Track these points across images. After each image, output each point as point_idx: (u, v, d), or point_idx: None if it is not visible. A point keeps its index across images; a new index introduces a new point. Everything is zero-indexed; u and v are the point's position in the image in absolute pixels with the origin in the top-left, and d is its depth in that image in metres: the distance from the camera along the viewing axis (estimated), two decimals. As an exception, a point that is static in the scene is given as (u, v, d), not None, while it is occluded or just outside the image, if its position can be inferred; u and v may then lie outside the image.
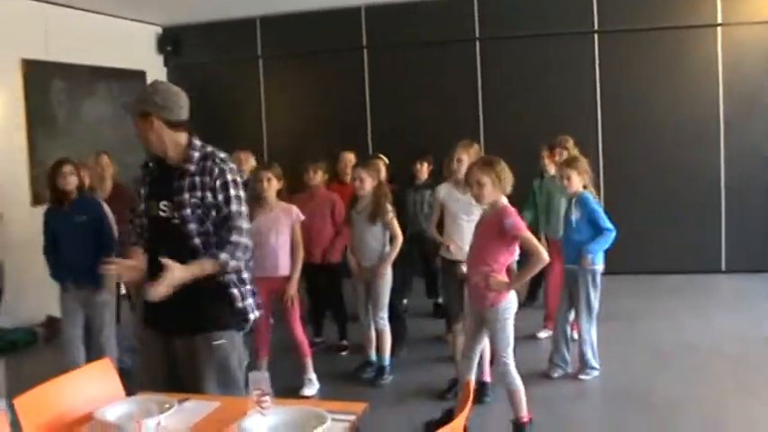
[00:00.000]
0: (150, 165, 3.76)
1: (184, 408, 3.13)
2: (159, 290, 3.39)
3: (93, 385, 3.34)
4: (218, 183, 3.57)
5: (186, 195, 3.57)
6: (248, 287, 3.75)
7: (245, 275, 3.74)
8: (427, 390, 6.09)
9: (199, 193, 3.57)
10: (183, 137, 3.64)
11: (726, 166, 9.75)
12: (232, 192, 3.59)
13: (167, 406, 3.03)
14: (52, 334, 8.22)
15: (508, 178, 4.85)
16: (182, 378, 3.61)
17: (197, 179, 3.58)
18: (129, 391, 3.43)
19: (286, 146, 10.59)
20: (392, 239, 6.35)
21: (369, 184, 6.41)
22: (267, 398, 2.95)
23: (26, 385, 3.12)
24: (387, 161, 7.88)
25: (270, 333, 6.23)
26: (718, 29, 9.64)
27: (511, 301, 4.92)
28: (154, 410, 2.98)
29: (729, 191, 9.77)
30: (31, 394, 3.15)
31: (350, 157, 8.12)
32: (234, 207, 3.59)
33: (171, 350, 3.66)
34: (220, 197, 3.58)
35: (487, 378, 5.86)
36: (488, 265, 4.82)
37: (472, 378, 5.04)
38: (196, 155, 3.61)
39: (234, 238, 3.57)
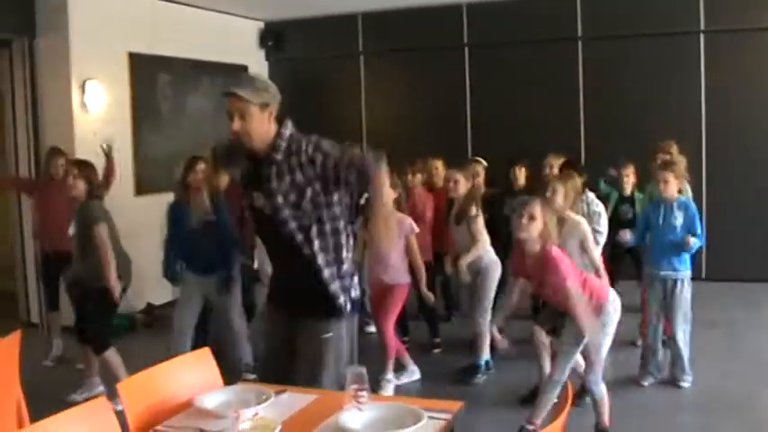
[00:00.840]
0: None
1: (281, 400, 3.14)
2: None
3: (192, 373, 3.38)
4: (306, 154, 3.52)
5: (274, 183, 3.56)
6: (348, 281, 3.72)
7: (345, 267, 3.70)
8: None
9: (288, 178, 3.54)
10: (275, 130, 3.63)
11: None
12: (324, 146, 3.54)
13: (265, 397, 3.05)
14: (152, 320, 8.42)
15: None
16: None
17: (284, 165, 3.55)
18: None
19: (385, 143, 10.44)
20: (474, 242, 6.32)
21: (463, 186, 6.42)
22: (364, 393, 2.94)
23: (129, 370, 3.19)
24: (485, 164, 7.81)
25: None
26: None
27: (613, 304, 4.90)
28: (251, 401, 3.00)
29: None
30: (134, 379, 3.23)
31: (437, 164, 8.06)
32: (334, 152, 3.53)
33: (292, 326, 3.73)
34: (315, 164, 3.52)
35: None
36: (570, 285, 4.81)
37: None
38: (283, 144, 3.57)
39: (351, 153, 3.54)
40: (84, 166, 6.09)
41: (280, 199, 3.56)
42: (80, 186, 5.88)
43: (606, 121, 10.10)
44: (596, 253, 5.84)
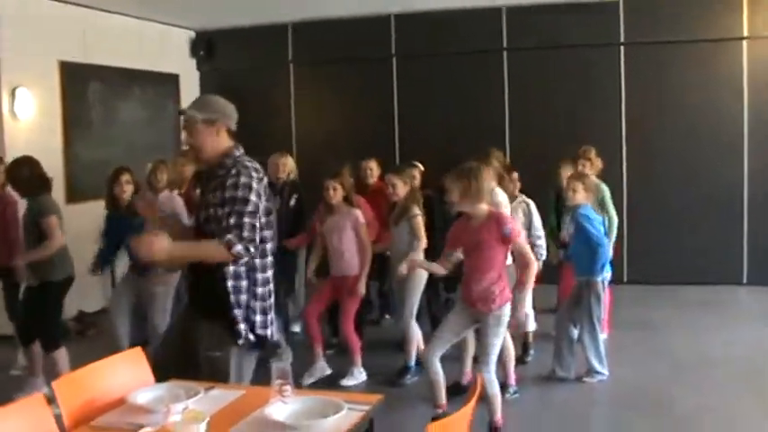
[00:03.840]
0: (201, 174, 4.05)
1: (210, 395, 3.32)
2: (141, 246, 3.61)
3: (125, 372, 3.54)
4: (228, 182, 3.73)
5: (210, 196, 3.79)
6: (257, 304, 3.85)
7: (259, 290, 3.85)
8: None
9: (219, 194, 3.74)
10: (231, 146, 3.89)
11: (749, 179, 9.81)
12: (239, 192, 3.70)
13: (194, 392, 3.22)
14: (84, 328, 8.46)
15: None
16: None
17: (220, 181, 3.78)
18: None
19: (315, 152, 10.69)
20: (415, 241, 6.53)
21: (401, 189, 6.64)
22: (288, 387, 3.14)
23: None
24: (421, 168, 8.03)
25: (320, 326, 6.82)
26: (744, 42, 9.72)
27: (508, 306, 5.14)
28: (182, 396, 3.17)
29: (752, 203, 9.83)
30: (68, 377, 3.38)
31: (371, 165, 8.27)
32: (239, 193, 3.70)
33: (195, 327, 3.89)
34: (227, 194, 3.71)
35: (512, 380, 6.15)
36: (494, 271, 5.04)
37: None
38: (229, 162, 3.81)
39: (233, 220, 3.66)
40: (11, 170, 6.24)
41: (211, 211, 3.76)
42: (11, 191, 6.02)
43: (530, 128, 10.40)
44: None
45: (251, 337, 3.82)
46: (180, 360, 3.82)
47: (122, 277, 6.89)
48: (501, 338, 5.15)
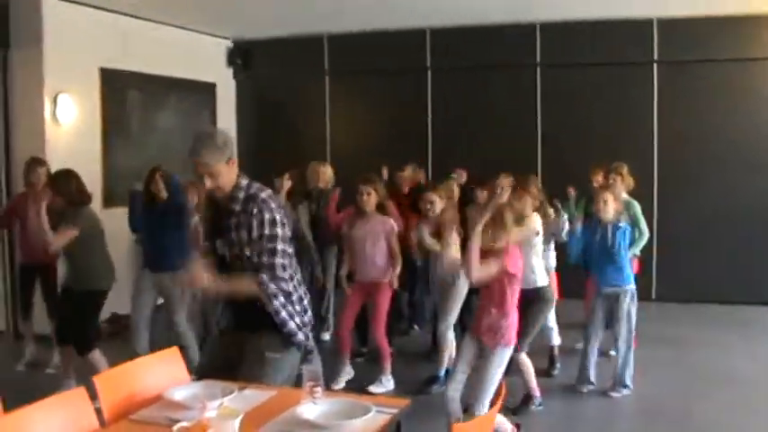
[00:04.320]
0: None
1: (244, 394, 3.43)
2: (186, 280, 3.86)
3: (162, 370, 3.69)
4: (254, 222, 3.80)
5: (234, 235, 3.86)
6: (297, 307, 3.98)
7: (294, 296, 3.97)
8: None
9: (245, 230, 3.83)
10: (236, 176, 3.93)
11: (780, 197, 9.83)
12: (266, 230, 3.80)
13: (229, 391, 3.34)
14: (117, 329, 8.62)
15: None
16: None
17: (242, 216, 3.85)
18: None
19: (349, 161, 10.75)
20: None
21: (438, 205, 6.70)
22: (319, 389, 3.25)
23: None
24: (460, 178, 8.12)
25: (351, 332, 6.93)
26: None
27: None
28: (217, 394, 3.28)
29: (782, 223, 9.83)
30: (109, 374, 3.52)
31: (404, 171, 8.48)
32: (266, 231, 3.80)
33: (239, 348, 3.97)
34: (255, 233, 3.81)
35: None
36: (505, 306, 5.06)
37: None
38: (241, 195, 3.88)
39: (266, 259, 3.81)
40: (57, 179, 6.39)
41: (237, 250, 3.88)
42: (56, 200, 6.20)
43: (562, 141, 10.47)
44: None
45: (299, 334, 3.96)
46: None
47: (140, 274, 7.02)
48: (497, 379, 5.03)
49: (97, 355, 6.26)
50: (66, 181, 6.33)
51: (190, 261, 4.00)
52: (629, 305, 6.42)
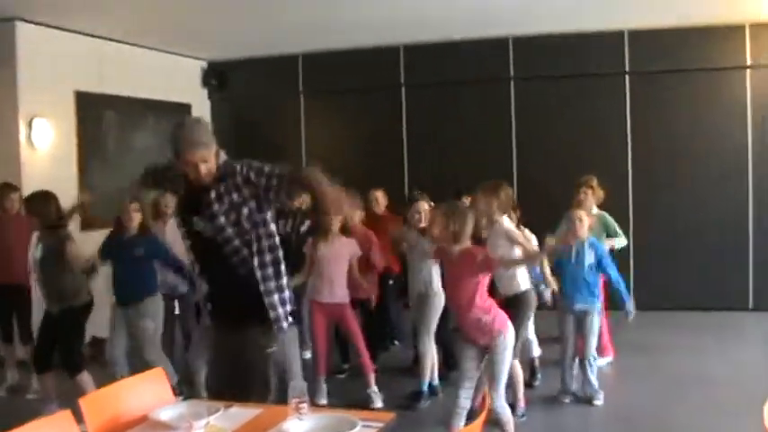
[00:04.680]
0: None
1: (230, 413, 3.44)
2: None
3: (147, 391, 3.69)
4: (241, 175, 3.88)
5: (216, 206, 3.88)
6: (286, 294, 4.04)
7: (283, 281, 4.03)
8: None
9: (226, 199, 3.87)
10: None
11: (754, 205, 9.95)
12: (255, 164, 3.90)
13: (215, 410, 3.35)
14: (98, 353, 8.58)
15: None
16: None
17: (221, 188, 3.89)
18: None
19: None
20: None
21: (426, 216, 6.73)
22: (304, 405, 3.27)
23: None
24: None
25: (327, 352, 6.94)
26: (747, 71, 9.90)
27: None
28: (203, 413, 3.30)
29: (757, 230, 9.96)
30: (94, 396, 3.52)
31: (377, 195, 8.45)
32: (266, 168, 3.89)
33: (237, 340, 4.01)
34: (250, 181, 3.87)
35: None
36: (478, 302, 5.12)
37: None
38: (219, 171, 3.92)
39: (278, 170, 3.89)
40: (33, 200, 6.42)
41: (222, 219, 3.88)
42: (34, 221, 6.22)
43: (537, 155, 10.55)
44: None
45: (288, 318, 4.03)
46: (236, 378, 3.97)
47: (113, 313, 6.83)
48: (508, 363, 5.19)
49: (86, 377, 6.26)
50: (44, 202, 6.34)
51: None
52: (597, 319, 6.55)
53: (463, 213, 5.21)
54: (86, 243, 7.59)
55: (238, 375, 3.95)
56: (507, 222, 6.25)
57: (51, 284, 6.28)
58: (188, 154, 3.81)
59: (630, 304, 6.44)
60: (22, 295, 7.23)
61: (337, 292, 6.70)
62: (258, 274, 3.93)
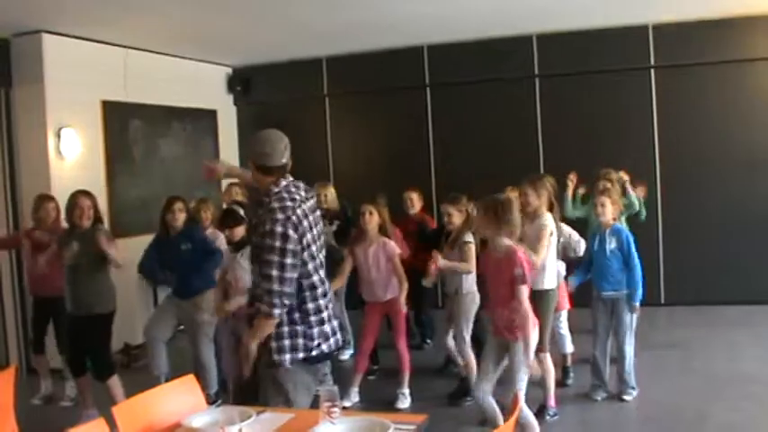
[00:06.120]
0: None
1: (262, 418, 3.46)
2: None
3: (180, 397, 3.71)
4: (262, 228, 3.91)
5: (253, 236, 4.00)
6: (313, 318, 4.00)
7: (311, 306, 3.99)
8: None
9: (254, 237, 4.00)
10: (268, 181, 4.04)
11: (785, 197, 9.86)
12: (267, 240, 3.85)
13: (247, 416, 3.36)
14: (130, 360, 8.65)
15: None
16: None
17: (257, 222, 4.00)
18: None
19: (352, 182, 10.80)
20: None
21: (456, 217, 6.76)
22: (336, 409, 3.27)
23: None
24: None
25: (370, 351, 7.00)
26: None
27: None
28: (235, 419, 3.31)
29: (788, 221, 9.86)
30: (128, 404, 3.54)
31: (412, 196, 8.47)
32: (265, 256, 3.85)
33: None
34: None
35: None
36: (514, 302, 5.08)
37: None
38: (267, 200, 3.99)
39: (265, 285, 3.85)
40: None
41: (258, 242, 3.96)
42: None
43: (564, 152, 10.44)
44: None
45: (285, 357, 3.96)
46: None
47: (165, 298, 7.11)
48: (526, 368, 5.11)
49: (115, 380, 6.34)
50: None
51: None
52: (627, 308, 6.47)
53: (509, 202, 5.22)
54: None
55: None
56: (551, 221, 6.22)
57: (79, 291, 6.35)
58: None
59: (637, 298, 6.39)
60: (59, 307, 7.29)
61: (382, 290, 6.78)
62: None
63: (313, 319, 4.00)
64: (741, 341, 8.28)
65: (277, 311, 3.83)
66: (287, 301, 3.85)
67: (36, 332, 7.49)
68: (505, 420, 3.15)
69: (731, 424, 5.88)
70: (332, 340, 4.07)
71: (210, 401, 6.27)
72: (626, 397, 6.50)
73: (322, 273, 4.07)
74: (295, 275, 3.86)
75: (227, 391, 6.29)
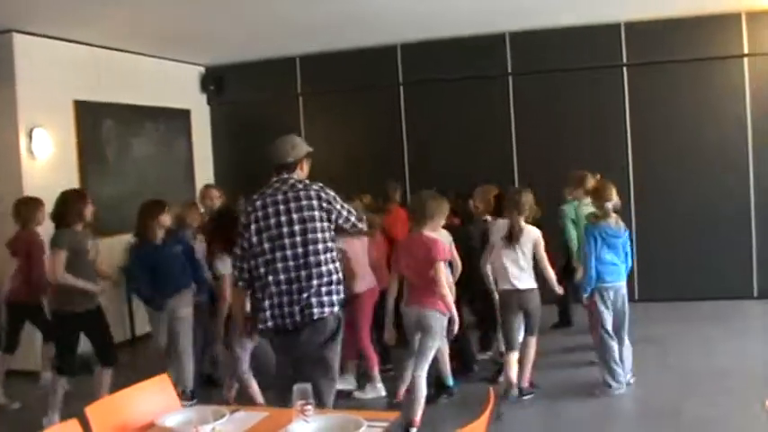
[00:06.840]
0: None
1: (236, 417, 3.46)
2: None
3: (153, 397, 3.69)
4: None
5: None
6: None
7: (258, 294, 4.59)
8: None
9: None
10: None
11: (755, 192, 9.94)
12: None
13: (221, 415, 3.36)
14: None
15: None
16: None
17: None
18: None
19: (326, 181, 10.72)
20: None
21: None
22: (310, 407, 3.28)
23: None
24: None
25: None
26: (745, 59, 9.88)
27: None
28: (209, 418, 3.31)
29: (759, 217, 9.93)
30: (100, 403, 3.53)
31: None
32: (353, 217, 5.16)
33: None
34: None
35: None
36: None
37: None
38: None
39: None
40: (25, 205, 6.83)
41: None
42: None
43: (536, 151, 10.53)
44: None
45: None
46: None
47: (153, 314, 7.00)
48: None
49: (107, 375, 6.46)
50: (33, 207, 6.90)
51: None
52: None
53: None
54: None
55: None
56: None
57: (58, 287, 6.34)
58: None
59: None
60: (34, 310, 7.25)
61: (358, 283, 6.93)
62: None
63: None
64: (715, 336, 8.35)
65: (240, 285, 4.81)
66: (242, 275, 4.81)
67: (11, 336, 7.40)
68: (482, 409, 3.14)
69: (707, 418, 5.91)
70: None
71: (185, 398, 6.30)
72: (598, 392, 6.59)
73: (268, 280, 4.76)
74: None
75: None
